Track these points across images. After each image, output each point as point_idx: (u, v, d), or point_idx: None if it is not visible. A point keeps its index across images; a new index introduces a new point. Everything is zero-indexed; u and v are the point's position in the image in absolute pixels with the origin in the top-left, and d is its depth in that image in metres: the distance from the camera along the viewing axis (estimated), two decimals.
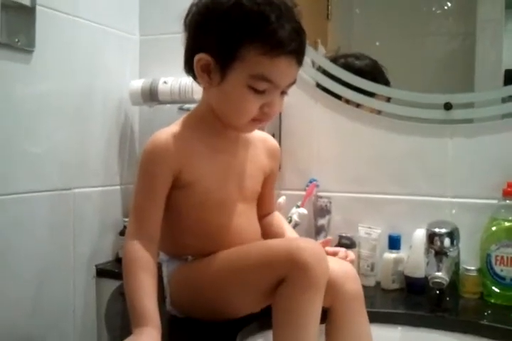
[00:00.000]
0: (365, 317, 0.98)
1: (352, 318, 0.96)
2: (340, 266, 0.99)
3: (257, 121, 0.96)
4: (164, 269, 1.03)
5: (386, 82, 1.45)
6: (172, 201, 0.97)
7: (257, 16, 0.89)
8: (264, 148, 1.10)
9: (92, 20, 1.49)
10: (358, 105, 1.45)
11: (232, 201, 1.01)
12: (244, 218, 1.03)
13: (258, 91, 0.91)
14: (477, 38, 1.42)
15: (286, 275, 0.86)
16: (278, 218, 1.18)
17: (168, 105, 1.54)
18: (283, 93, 0.96)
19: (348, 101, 1.45)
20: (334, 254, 1.04)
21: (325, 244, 1.06)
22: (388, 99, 1.43)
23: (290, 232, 1.15)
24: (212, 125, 1.00)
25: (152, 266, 0.92)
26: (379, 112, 1.44)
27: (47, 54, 1.34)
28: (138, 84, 1.55)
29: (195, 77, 0.97)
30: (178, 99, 1.48)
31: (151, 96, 1.53)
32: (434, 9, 1.50)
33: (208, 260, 0.97)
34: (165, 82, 1.51)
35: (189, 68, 0.97)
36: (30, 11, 1.28)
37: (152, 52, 1.66)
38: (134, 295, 0.88)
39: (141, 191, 0.96)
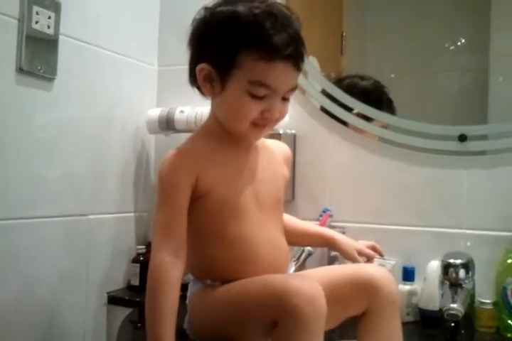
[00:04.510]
0: (399, 322, 0.99)
1: (387, 321, 0.97)
2: (378, 270, 1.00)
3: (260, 126, 0.97)
4: (189, 288, 1.04)
5: (389, 101, 1.49)
6: (191, 215, 0.97)
7: (252, 24, 0.92)
8: (279, 155, 1.11)
9: (113, 50, 1.53)
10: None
11: (248, 209, 1.00)
12: (263, 228, 1.01)
13: (257, 97, 0.93)
14: (490, 72, 1.44)
15: (278, 319, 0.85)
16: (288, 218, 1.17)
17: (184, 134, 1.55)
18: (284, 99, 0.97)
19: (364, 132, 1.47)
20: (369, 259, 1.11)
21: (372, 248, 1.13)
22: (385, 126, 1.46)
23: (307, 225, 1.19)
24: (222, 136, 1.01)
25: (177, 286, 0.92)
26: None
27: (68, 82, 1.38)
28: (155, 112, 1.58)
29: (199, 89, 1.00)
30: (194, 127, 1.50)
31: (167, 124, 1.55)
32: (447, 45, 1.52)
33: (217, 291, 0.97)
34: (182, 111, 1.54)
35: (193, 80, 1.00)
36: (52, 40, 1.32)
37: (170, 82, 1.70)
38: (153, 317, 0.90)
39: (164, 204, 0.96)
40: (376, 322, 0.97)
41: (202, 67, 0.96)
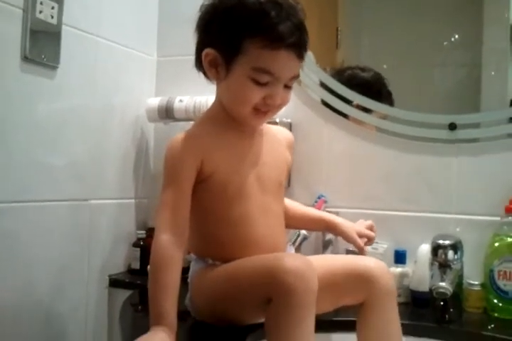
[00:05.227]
0: (397, 314, 1.02)
1: (384, 314, 1.01)
2: (375, 262, 1.04)
3: (262, 112, 1.01)
4: (191, 267, 1.08)
5: (389, 93, 1.52)
6: (196, 196, 1.01)
7: (258, 12, 0.95)
8: (283, 140, 1.15)
9: (114, 40, 1.57)
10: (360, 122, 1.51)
11: (251, 191, 1.04)
12: (264, 211, 1.05)
13: (260, 83, 0.97)
14: (483, 68, 1.48)
15: (271, 295, 0.88)
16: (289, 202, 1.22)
17: (183, 122, 1.60)
18: (287, 87, 1.00)
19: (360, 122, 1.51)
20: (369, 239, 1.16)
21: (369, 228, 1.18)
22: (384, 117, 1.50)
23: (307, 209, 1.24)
24: (227, 120, 1.05)
25: (180, 264, 0.95)
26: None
27: (70, 70, 1.41)
28: (155, 101, 1.62)
29: (205, 73, 1.04)
30: (193, 116, 1.54)
31: (166, 113, 1.59)
32: (441, 41, 1.55)
33: (216, 270, 1.01)
34: (180, 101, 1.58)
35: (199, 65, 1.03)
36: (56, 30, 1.36)
37: (169, 72, 1.74)
38: (156, 293, 0.92)
39: (169, 186, 1.00)
40: (373, 313, 1.00)
41: (207, 52, 0.99)
